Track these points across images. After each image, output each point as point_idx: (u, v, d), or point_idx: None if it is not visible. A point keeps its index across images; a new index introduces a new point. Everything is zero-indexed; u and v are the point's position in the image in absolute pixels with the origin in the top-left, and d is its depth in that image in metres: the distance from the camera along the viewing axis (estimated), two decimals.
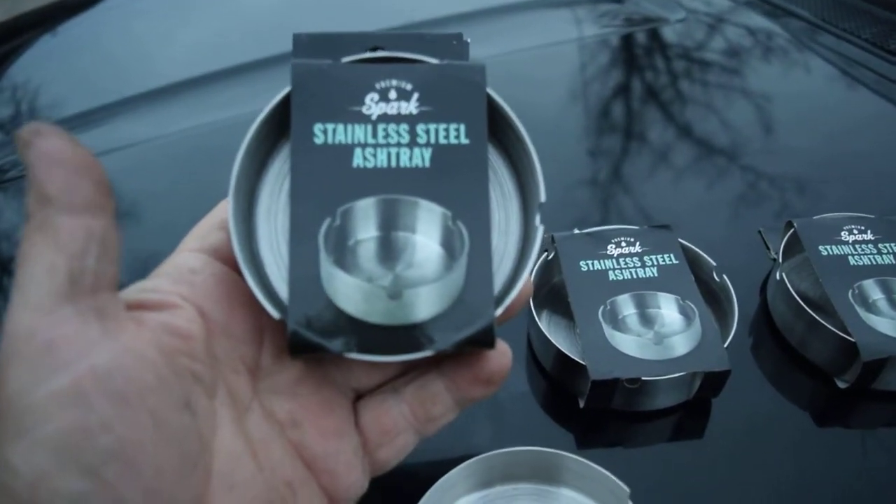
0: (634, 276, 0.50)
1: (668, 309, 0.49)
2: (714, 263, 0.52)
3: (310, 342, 0.30)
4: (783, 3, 0.95)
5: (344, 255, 0.31)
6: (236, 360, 0.30)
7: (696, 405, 0.47)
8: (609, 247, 0.52)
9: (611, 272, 0.51)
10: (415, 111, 0.32)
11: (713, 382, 0.45)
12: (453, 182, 0.32)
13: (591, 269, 0.51)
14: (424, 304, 0.31)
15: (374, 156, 0.32)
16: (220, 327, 0.30)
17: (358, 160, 0.32)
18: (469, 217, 0.32)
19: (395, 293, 0.31)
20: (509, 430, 0.47)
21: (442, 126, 0.32)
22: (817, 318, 0.48)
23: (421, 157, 0.32)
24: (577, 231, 0.54)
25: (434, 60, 0.33)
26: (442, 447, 0.45)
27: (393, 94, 0.33)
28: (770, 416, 0.48)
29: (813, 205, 0.62)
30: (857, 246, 0.52)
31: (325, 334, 0.30)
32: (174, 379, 0.26)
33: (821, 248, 0.52)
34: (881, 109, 0.77)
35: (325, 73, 0.32)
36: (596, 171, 0.70)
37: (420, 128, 0.32)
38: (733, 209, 0.64)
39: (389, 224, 0.32)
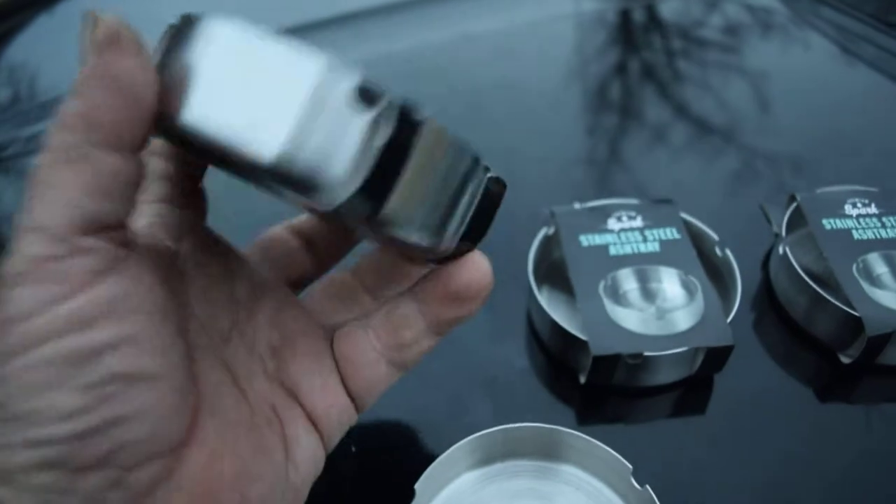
0: (636, 251, 0.50)
1: (669, 283, 0.48)
2: (716, 238, 0.52)
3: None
4: None
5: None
6: (215, 294, 0.30)
7: (698, 380, 0.47)
8: (610, 221, 0.51)
9: (612, 246, 0.50)
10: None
11: (716, 358, 0.45)
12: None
13: (592, 243, 0.50)
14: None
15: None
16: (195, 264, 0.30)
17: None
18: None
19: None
20: (510, 407, 0.46)
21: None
22: (821, 292, 0.47)
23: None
24: (577, 205, 0.53)
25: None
26: (442, 424, 0.45)
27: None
28: (773, 391, 0.47)
29: (815, 178, 0.62)
30: (860, 219, 0.51)
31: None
32: (172, 309, 0.26)
33: (824, 221, 0.51)
34: (883, 84, 0.76)
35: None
36: (596, 146, 0.69)
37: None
38: (735, 183, 0.63)
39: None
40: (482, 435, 0.40)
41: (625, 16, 0.90)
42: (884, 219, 0.51)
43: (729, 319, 0.46)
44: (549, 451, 0.41)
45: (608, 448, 0.40)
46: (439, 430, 0.45)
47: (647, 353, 0.44)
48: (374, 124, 0.23)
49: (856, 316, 0.45)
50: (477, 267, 0.30)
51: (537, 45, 0.84)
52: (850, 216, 0.51)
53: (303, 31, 0.82)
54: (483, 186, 0.28)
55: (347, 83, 0.23)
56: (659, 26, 0.88)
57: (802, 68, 0.79)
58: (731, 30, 0.86)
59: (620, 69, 0.80)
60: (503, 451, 0.41)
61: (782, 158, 0.66)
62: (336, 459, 0.44)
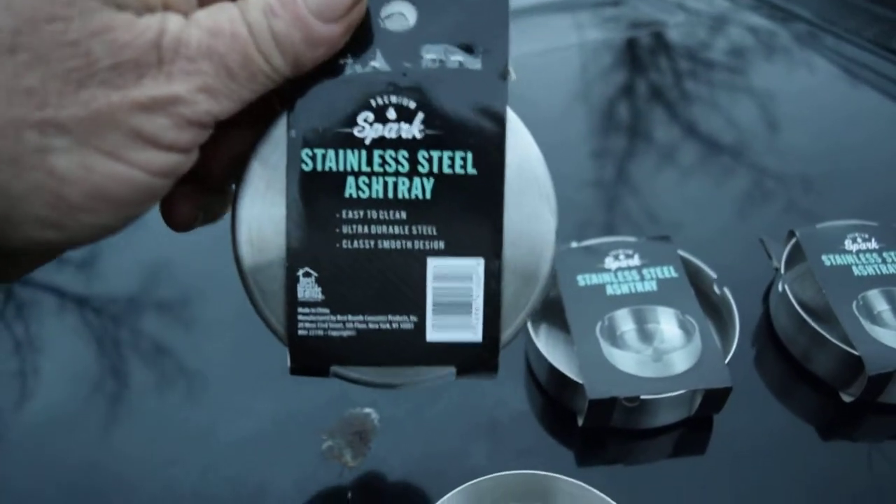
0: (633, 291, 0.49)
1: (667, 324, 0.48)
2: (714, 276, 0.51)
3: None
4: (784, 3, 0.93)
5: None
6: None
7: (697, 421, 0.46)
8: (607, 260, 0.51)
9: (609, 286, 0.49)
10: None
11: (714, 399, 0.44)
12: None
13: (589, 283, 0.50)
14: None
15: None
16: None
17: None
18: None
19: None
20: (508, 450, 0.46)
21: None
22: (821, 331, 0.47)
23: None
24: (574, 244, 0.53)
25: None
26: (440, 469, 0.45)
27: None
28: (774, 430, 0.47)
29: (815, 211, 0.61)
30: (860, 255, 0.51)
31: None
32: None
33: (824, 257, 0.50)
34: (885, 111, 0.75)
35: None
36: (595, 177, 0.69)
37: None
38: (733, 216, 0.63)
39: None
40: (474, 483, 0.39)
41: (629, 44, 0.90)
42: (884, 254, 0.51)
43: (727, 359, 0.46)
44: (542, 498, 0.41)
45: (603, 495, 0.39)
46: (437, 474, 0.44)
47: (643, 397, 0.43)
48: None
49: (856, 355, 0.45)
50: None
51: (542, 76, 0.84)
52: (850, 252, 0.51)
53: None
54: None
55: None
56: (662, 55, 0.88)
57: (805, 97, 0.79)
58: (734, 58, 0.86)
59: (623, 100, 0.80)
60: (496, 497, 0.41)
61: (780, 188, 0.65)
62: None
